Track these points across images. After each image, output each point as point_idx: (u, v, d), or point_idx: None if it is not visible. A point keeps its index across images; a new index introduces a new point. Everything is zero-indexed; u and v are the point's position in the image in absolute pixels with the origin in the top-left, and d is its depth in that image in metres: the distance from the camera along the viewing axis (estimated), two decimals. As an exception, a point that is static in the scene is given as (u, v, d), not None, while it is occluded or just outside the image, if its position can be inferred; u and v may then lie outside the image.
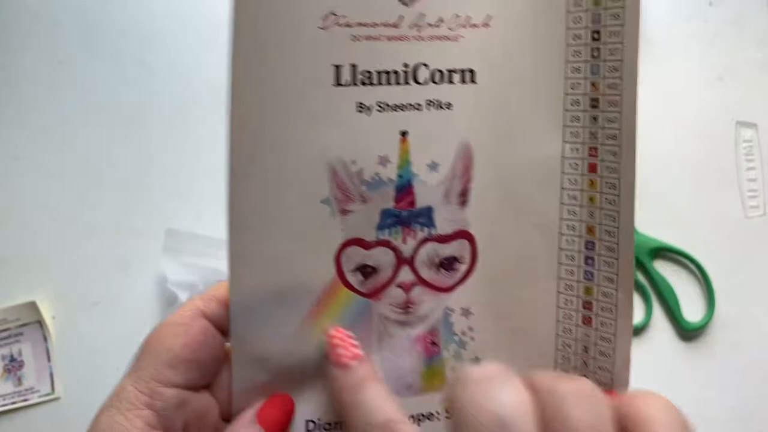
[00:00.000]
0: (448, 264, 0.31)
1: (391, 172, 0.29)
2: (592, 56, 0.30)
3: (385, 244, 0.30)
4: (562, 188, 0.31)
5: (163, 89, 0.59)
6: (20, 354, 0.54)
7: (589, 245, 0.31)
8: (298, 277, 0.29)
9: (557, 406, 0.21)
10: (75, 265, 0.56)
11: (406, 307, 0.31)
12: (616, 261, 0.30)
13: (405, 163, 0.29)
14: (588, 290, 0.31)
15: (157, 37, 0.59)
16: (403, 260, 0.30)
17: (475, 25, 0.29)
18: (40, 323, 0.55)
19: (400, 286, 0.31)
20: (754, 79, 0.61)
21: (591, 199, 0.30)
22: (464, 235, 0.31)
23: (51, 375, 0.54)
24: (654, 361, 0.55)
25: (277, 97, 0.27)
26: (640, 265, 0.56)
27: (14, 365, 0.54)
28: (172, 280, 0.54)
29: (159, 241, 0.55)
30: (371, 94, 0.28)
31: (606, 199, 0.30)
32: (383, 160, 0.29)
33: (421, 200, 0.30)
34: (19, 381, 0.54)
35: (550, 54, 0.30)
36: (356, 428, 0.25)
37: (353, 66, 0.28)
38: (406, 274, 0.31)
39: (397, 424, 0.25)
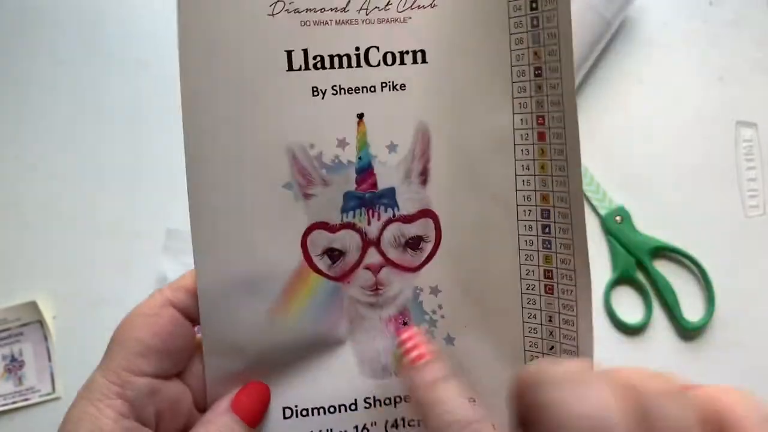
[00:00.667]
0: (413, 243, 0.31)
1: (350, 155, 0.30)
2: (532, 25, 0.30)
3: (350, 226, 0.30)
4: (516, 159, 0.31)
5: (163, 89, 0.58)
6: (21, 354, 0.54)
7: (545, 213, 0.31)
8: (264, 263, 0.29)
9: (648, 407, 0.20)
10: (76, 265, 0.56)
11: (376, 288, 0.31)
12: (570, 227, 0.30)
13: (363, 145, 0.30)
14: (547, 259, 0.31)
15: (157, 37, 0.59)
16: (369, 242, 0.31)
17: (422, 6, 0.30)
18: (41, 323, 0.55)
19: (368, 267, 0.31)
20: (754, 79, 0.61)
21: (542, 167, 0.31)
22: (428, 213, 0.31)
23: (51, 375, 0.54)
24: (654, 361, 0.55)
25: (230, 85, 0.28)
26: (640, 265, 0.56)
27: (15, 365, 0.54)
28: (172, 280, 0.54)
29: (159, 241, 0.56)
30: (325, 78, 0.29)
31: (556, 165, 0.30)
32: (342, 143, 0.30)
33: (383, 181, 0.30)
34: (20, 381, 0.54)
35: (494, 28, 0.31)
36: (436, 428, 0.25)
37: (304, 51, 0.29)
38: (373, 256, 0.31)
39: (478, 424, 0.24)
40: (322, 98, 0.29)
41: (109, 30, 0.61)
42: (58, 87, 0.59)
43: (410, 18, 0.30)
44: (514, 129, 0.31)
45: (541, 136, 0.31)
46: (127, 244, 0.57)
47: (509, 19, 0.31)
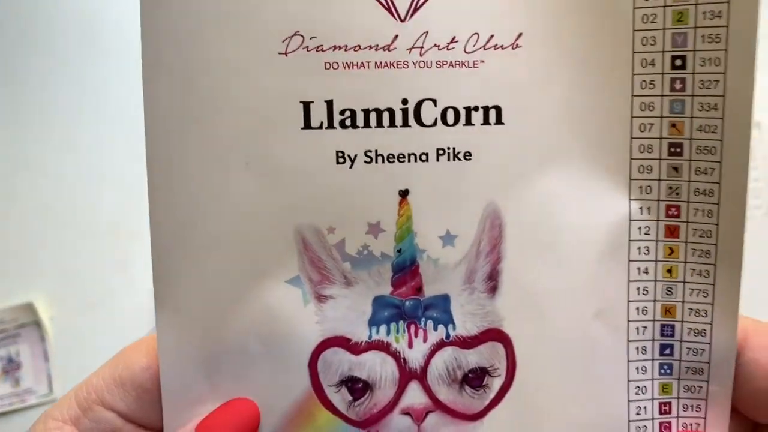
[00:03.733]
0: (475, 378, 0.22)
1: (386, 245, 0.21)
2: (672, 89, 0.21)
3: (383, 347, 0.21)
4: (630, 260, 0.21)
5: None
6: (18, 355, 0.54)
7: (666, 330, 0.21)
8: (255, 390, 0.21)
9: None
10: (74, 266, 0.55)
11: (418, 442, 0.22)
12: (707, 365, 0.20)
13: (406, 233, 0.21)
14: (665, 388, 0.21)
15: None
16: (409, 373, 0.21)
17: (500, 47, 0.21)
18: (38, 324, 0.54)
19: (406, 412, 0.21)
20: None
21: (669, 271, 0.21)
22: (496, 335, 0.21)
23: (49, 376, 0.53)
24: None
25: (223, 146, 0.21)
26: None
27: (12, 366, 0.53)
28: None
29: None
30: (356, 140, 0.21)
31: (693, 269, 0.21)
32: (375, 229, 0.21)
33: (433, 286, 0.21)
34: (17, 382, 0.54)
35: (607, 85, 0.22)
36: None
37: (328, 103, 0.21)
38: (415, 394, 0.21)
39: None
40: (351, 167, 0.21)
41: (109, 30, 0.61)
42: (58, 87, 0.59)
43: (483, 62, 0.21)
44: (630, 220, 0.21)
45: (671, 232, 0.21)
46: (125, 245, 0.56)
47: (633, 75, 0.21)
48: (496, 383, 0.22)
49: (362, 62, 0.21)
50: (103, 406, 0.22)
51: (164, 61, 0.21)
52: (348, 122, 0.21)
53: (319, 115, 0.21)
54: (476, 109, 0.21)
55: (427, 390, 0.21)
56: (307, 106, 0.21)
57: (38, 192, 0.59)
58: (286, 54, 0.21)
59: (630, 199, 0.21)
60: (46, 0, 0.64)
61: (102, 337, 0.54)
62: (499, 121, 0.21)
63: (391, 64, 0.21)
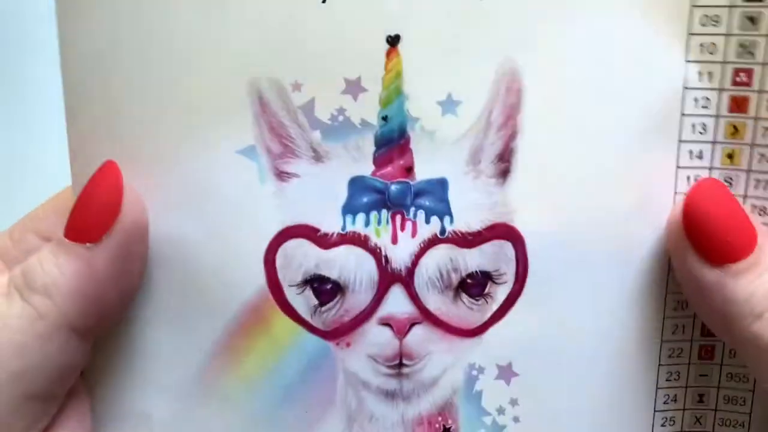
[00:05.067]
0: (474, 285, 0.17)
1: (368, 110, 0.16)
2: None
3: (359, 241, 0.17)
4: (681, 141, 0.17)
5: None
6: None
7: None
8: (204, 286, 0.17)
9: None
10: None
11: (399, 363, 0.17)
12: None
13: (395, 94, 0.16)
14: None
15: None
16: (392, 275, 0.17)
17: None
18: None
19: (386, 323, 0.17)
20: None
21: (730, 156, 0.16)
22: (505, 232, 0.17)
23: None
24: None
25: None
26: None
27: None
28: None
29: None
30: None
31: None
32: (354, 87, 0.16)
33: (426, 166, 0.17)
34: None
35: None
36: None
37: None
38: (398, 302, 0.17)
39: None
40: (324, 0, 0.16)
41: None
42: (58, 87, 0.57)
43: None
44: (684, 88, 0.17)
45: (739, 106, 0.16)
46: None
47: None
48: (501, 292, 0.17)
49: None
50: (37, 235, 0.19)
51: None
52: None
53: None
54: None
55: (414, 297, 0.17)
56: None
57: (38, 192, 0.56)
58: None
59: (687, 60, 0.16)
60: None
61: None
62: None
63: None
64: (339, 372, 0.17)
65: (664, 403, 0.18)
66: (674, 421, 0.18)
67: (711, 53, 0.16)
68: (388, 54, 0.16)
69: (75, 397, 0.17)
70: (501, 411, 0.18)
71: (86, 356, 0.16)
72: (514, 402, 0.18)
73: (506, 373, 0.17)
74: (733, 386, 0.18)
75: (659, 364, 0.18)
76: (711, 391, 0.18)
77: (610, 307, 0.17)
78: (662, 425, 0.18)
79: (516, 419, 0.18)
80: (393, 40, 0.16)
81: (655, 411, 0.18)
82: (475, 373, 0.17)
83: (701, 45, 0.16)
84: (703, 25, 0.16)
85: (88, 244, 0.15)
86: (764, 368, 0.16)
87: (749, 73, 0.16)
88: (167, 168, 0.16)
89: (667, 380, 0.18)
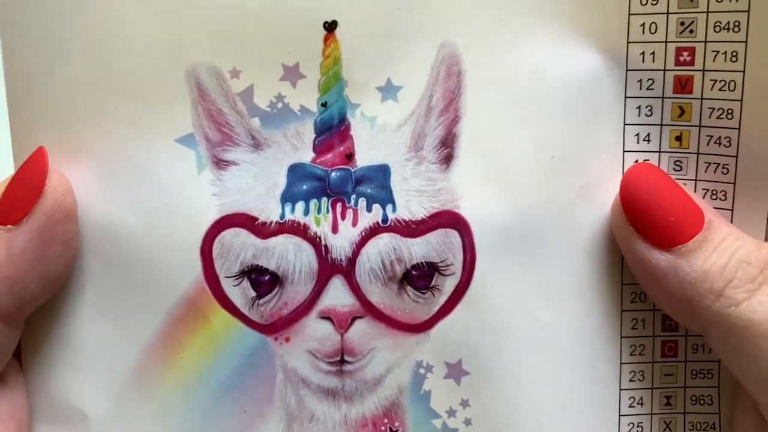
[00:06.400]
0: (420, 277, 0.16)
1: (307, 97, 0.16)
2: None
3: (298, 230, 0.16)
4: (626, 124, 0.16)
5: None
6: None
7: None
8: (140, 277, 0.16)
9: None
10: None
11: (341, 360, 0.16)
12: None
13: (333, 80, 0.16)
14: None
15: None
16: (332, 265, 0.16)
17: None
18: None
19: (326, 316, 0.16)
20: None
21: (678, 138, 0.16)
22: (450, 219, 0.16)
23: None
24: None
25: None
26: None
27: None
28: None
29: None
30: None
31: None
32: (292, 73, 0.16)
33: (367, 153, 0.16)
34: None
35: None
36: None
37: None
38: (338, 294, 0.16)
39: None
40: None
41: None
42: None
43: None
44: (627, 70, 0.16)
45: (683, 86, 0.16)
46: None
47: None
48: (449, 284, 0.16)
49: None
50: None
51: None
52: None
53: None
54: None
55: (355, 289, 0.16)
56: None
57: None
58: None
59: (628, 41, 0.16)
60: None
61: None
62: None
63: None
64: (278, 369, 0.16)
65: (630, 406, 0.17)
66: (642, 427, 0.17)
67: (652, 33, 0.16)
68: (326, 40, 0.16)
69: (8, 387, 0.16)
70: (451, 413, 0.16)
71: (11, 341, 0.16)
72: (465, 403, 0.16)
73: (456, 371, 0.16)
74: (698, 384, 0.17)
75: (621, 362, 0.17)
76: (678, 392, 0.17)
77: (563, 298, 0.16)
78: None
79: (467, 422, 0.16)
80: (330, 26, 0.16)
81: (620, 415, 0.17)
82: (422, 371, 0.16)
83: (642, 25, 0.16)
84: (644, 4, 0.16)
85: (8, 226, 0.15)
86: (732, 351, 0.15)
87: (691, 51, 0.16)
88: (105, 155, 0.16)
89: (630, 380, 0.17)
